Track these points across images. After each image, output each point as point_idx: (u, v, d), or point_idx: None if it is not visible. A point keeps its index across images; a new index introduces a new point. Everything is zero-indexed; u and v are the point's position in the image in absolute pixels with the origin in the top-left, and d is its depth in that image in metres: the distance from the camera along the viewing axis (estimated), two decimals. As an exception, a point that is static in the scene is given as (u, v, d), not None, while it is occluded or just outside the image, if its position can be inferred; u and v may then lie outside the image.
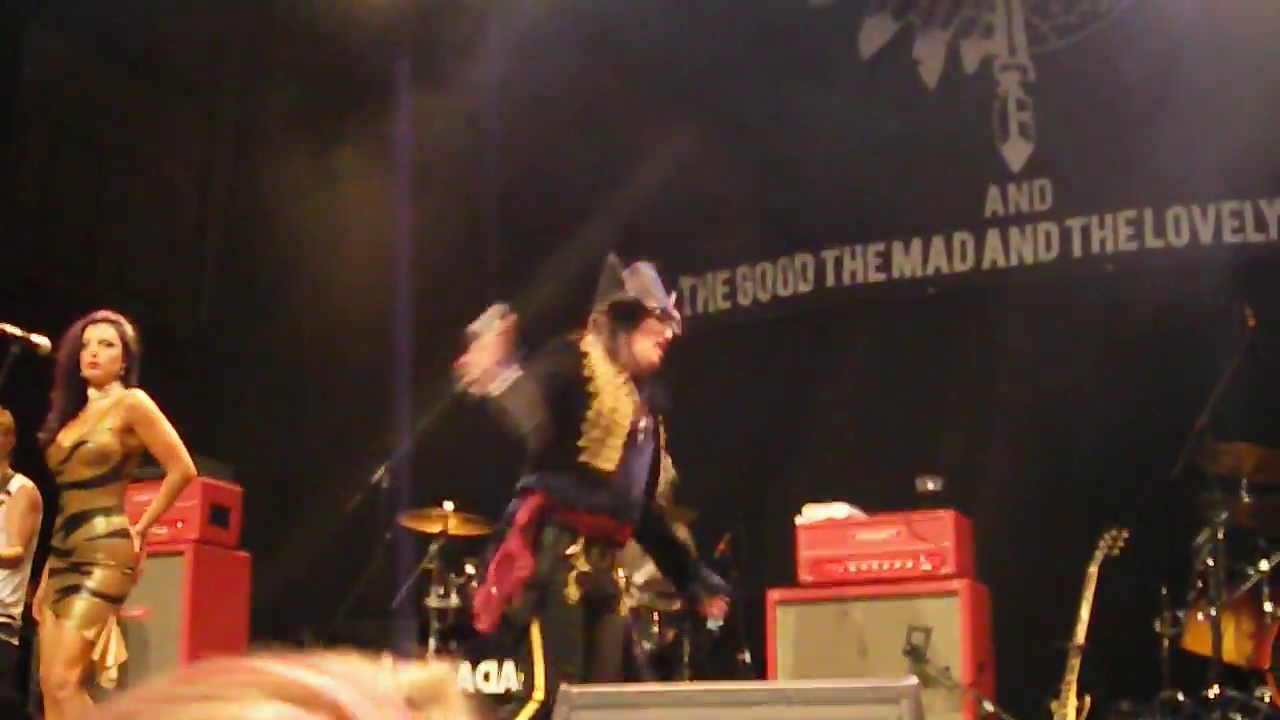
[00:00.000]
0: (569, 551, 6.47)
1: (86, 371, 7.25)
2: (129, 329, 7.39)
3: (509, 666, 8.81)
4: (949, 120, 11.02)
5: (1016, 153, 10.94)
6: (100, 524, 7.12)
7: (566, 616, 6.36)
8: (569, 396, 6.48)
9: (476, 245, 11.51)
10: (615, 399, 6.54)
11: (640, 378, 6.66)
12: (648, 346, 6.61)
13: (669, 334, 6.65)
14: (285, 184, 11.57)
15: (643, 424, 6.63)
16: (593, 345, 6.65)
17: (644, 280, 6.73)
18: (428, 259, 10.98)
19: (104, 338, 7.30)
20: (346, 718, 1.07)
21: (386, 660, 1.14)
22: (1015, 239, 10.82)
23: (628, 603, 6.91)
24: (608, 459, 6.51)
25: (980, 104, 11.10)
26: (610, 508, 6.58)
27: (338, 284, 10.90)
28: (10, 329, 7.32)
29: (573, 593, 6.40)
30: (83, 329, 7.32)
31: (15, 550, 8.67)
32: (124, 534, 7.14)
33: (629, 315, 6.63)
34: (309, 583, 10.87)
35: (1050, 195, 10.80)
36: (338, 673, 1.10)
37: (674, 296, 6.92)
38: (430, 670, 1.14)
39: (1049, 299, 10.52)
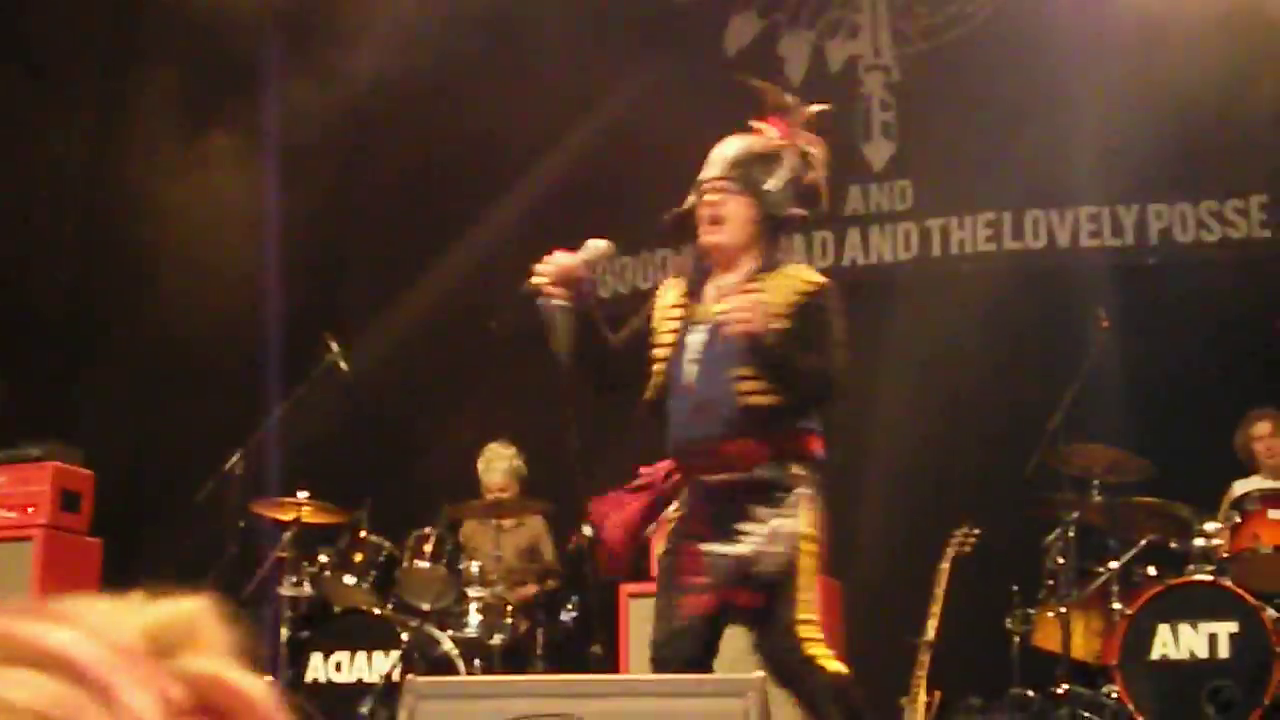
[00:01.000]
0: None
1: None
2: None
3: (361, 656, 8.79)
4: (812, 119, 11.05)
5: (878, 153, 11.02)
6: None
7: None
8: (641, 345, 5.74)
9: (345, 234, 11.45)
10: (660, 320, 5.71)
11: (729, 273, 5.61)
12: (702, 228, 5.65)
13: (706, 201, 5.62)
14: (151, 168, 11.43)
15: (701, 325, 5.57)
16: (667, 284, 5.97)
17: None
18: (295, 248, 10.89)
19: None
20: (82, 677, 0.98)
21: (134, 599, 1.05)
22: (875, 238, 10.89)
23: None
24: (651, 387, 5.63)
25: (844, 104, 11.14)
26: (671, 444, 5.63)
27: (199, 271, 10.78)
28: None
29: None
30: None
31: None
32: None
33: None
34: (162, 569, 10.75)
35: (911, 195, 10.88)
36: (75, 623, 1.02)
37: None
38: (178, 608, 1.05)
39: (907, 298, 10.59)
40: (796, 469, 5.45)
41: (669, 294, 5.78)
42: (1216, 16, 9.37)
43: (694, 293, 5.67)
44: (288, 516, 9.01)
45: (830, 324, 5.50)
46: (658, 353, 5.61)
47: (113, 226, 11.89)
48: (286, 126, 11.05)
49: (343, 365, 9.15)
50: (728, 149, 5.63)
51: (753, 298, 5.34)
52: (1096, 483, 8.54)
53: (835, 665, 5.40)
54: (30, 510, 8.99)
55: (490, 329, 11.39)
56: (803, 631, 5.29)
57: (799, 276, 5.61)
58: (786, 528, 5.37)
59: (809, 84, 11.20)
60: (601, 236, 5.58)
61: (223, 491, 9.07)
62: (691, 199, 5.67)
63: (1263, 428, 8.97)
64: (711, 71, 10.76)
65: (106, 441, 10.34)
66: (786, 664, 5.28)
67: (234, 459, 9.02)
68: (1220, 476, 9.00)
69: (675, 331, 5.60)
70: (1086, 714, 8.19)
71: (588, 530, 5.77)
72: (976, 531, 8.52)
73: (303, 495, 9.01)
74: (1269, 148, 9.48)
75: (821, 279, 5.67)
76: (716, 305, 5.46)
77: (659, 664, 5.32)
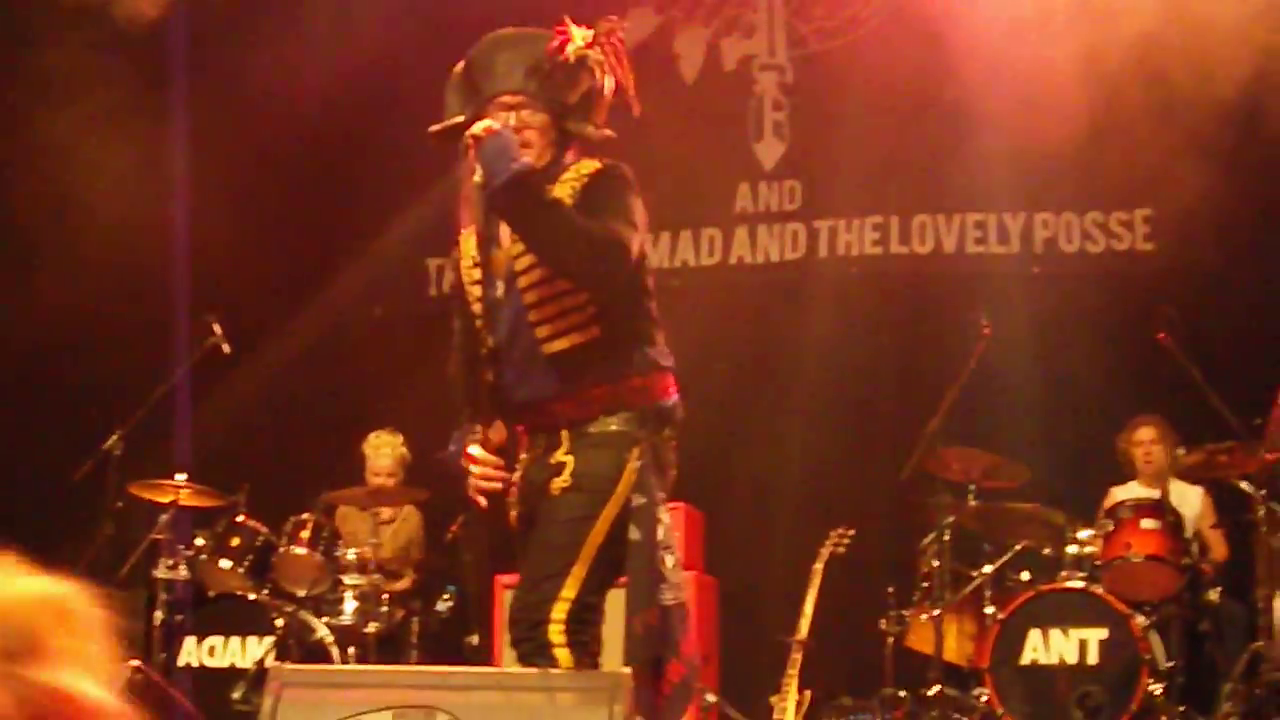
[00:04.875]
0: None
1: None
2: None
3: (235, 641, 8.75)
4: (705, 116, 11.09)
5: (769, 152, 11.05)
6: None
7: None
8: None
9: (234, 216, 11.35)
10: (466, 275, 5.18)
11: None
12: None
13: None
14: (23, 140, 11.30)
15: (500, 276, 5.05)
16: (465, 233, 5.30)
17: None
18: (181, 225, 10.79)
19: None
20: None
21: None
22: (763, 237, 10.92)
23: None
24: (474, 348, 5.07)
25: (736, 102, 11.18)
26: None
27: (85, 247, 10.66)
28: None
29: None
30: None
31: None
32: None
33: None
34: (36, 550, 10.65)
35: (800, 196, 10.92)
36: None
37: None
38: (27, 602, 1.02)
39: (794, 298, 10.63)
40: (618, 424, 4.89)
41: (467, 242, 5.16)
42: (1108, 29, 9.45)
43: (486, 238, 5.00)
44: (165, 499, 8.95)
45: (616, 193, 4.94)
46: (476, 309, 5.03)
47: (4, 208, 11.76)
48: (187, 98, 10.96)
49: (225, 348, 9.10)
50: (517, 52, 5.04)
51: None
52: (973, 487, 8.63)
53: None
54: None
55: (375, 315, 11.36)
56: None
57: (583, 166, 5.03)
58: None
59: (703, 81, 11.25)
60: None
61: (101, 471, 8.99)
62: (461, 111, 5.06)
63: (1145, 433, 9.05)
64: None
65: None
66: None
67: (113, 439, 8.95)
68: (1098, 484, 9.11)
69: (479, 285, 5.04)
70: (957, 716, 8.27)
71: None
72: (851, 532, 8.57)
73: (181, 478, 8.95)
74: (1154, 162, 9.57)
75: (611, 161, 5.04)
76: (514, 248, 4.96)
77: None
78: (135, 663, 8.02)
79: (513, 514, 5.08)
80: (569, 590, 4.76)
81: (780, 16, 11.25)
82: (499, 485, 4.97)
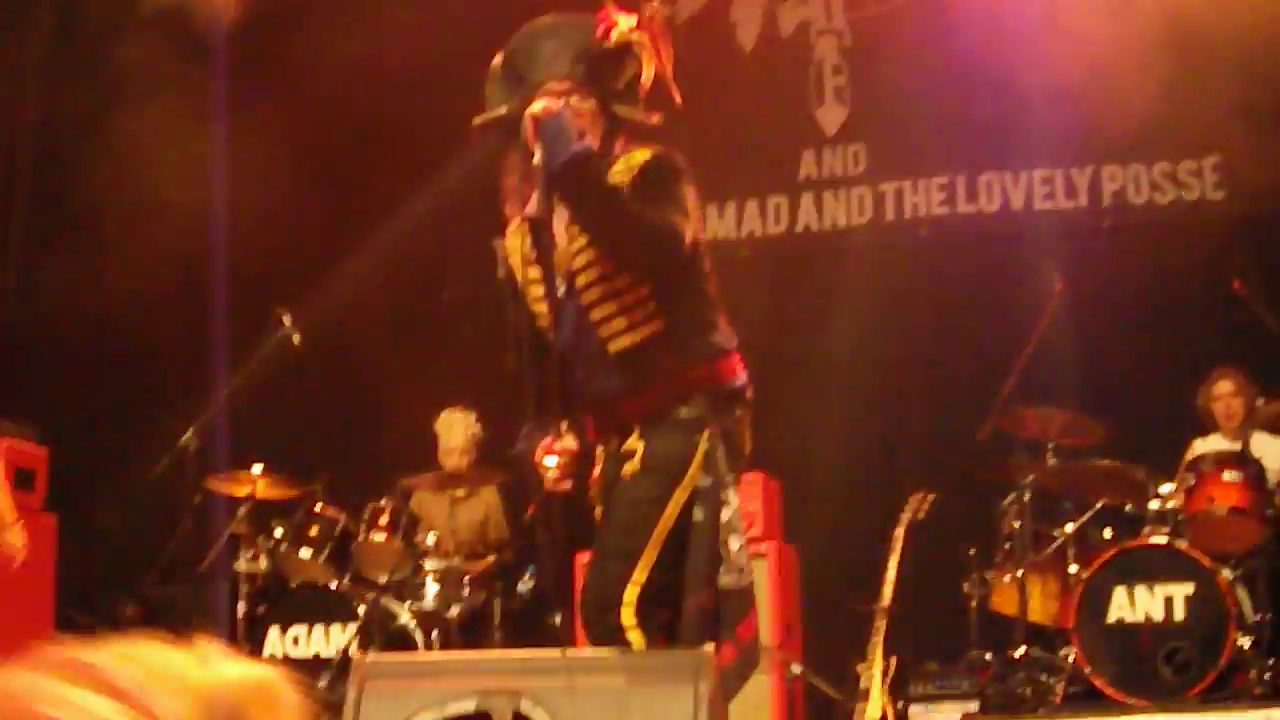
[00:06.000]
0: None
1: None
2: None
3: (318, 630, 8.77)
4: (764, 84, 11.04)
5: (831, 117, 10.99)
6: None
7: None
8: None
9: (297, 205, 11.36)
10: (523, 271, 5.18)
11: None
12: None
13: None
14: (97, 139, 11.35)
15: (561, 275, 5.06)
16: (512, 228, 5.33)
17: None
18: (247, 218, 10.82)
19: None
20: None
21: (205, 651, 1.06)
22: (829, 203, 10.87)
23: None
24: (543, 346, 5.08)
25: (796, 68, 11.12)
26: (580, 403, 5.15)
27: (151, 242, 10.69)
28: None
29: None
30: None
31: None
32: None
33: None
34: (118, 546, 10.72)
35: (864, 159, 10.86)
36: (144, 669, 1.04)
37: None
38: (237, 681, 1.06)
39: (862, 263, 10.57)
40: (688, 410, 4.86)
41: (516, 238, 5.17)
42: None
43: (539, 231, 5.02)
44: (242, 491, 9.00)
45: (668, 181, 4.91)
46: (537, 309, 5.06)
47: (61, 203, 11.81)
48: (237, 93, 10.98)
49: (295, 339, 9.12)
50: (561, 38, 5.01)
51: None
52: (1052, 446, 8.55)
53: None
54: (-18, 488, 8.93)
55: (444, 300, 11.35)
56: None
57: (636, 155, 4.97)
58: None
59: (760, 49, 11.20)
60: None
61: (177, 467, 9.04)
62: (505, 102, 5.01)
63: (1224, 386, 8.95)
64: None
65: (60, 418, 10.28)
66: None
67: (188, 434, 9.00)
68: (1178, 438, 9.00)
69: (538, 284, 5.05)
70: (1044, 676, 8.23)
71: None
72: (931, 497, 8.51)
73: (257, 470, 8.99)
74: (1222, 109, 9.47)
75: (662, 148, 4.99)
76: (570, 248, 4.94)
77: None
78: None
79: (597, 511, 5.10)
80: (640, 573, 4.76)
81: (836, -20, 11.18)
82: (569, 485, 4.98)
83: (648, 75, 4.99)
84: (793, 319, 10.35)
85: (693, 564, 4.78)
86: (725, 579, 4.80)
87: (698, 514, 4.79)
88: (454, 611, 8.75)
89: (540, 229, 4.97)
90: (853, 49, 11.04)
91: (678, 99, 5.05)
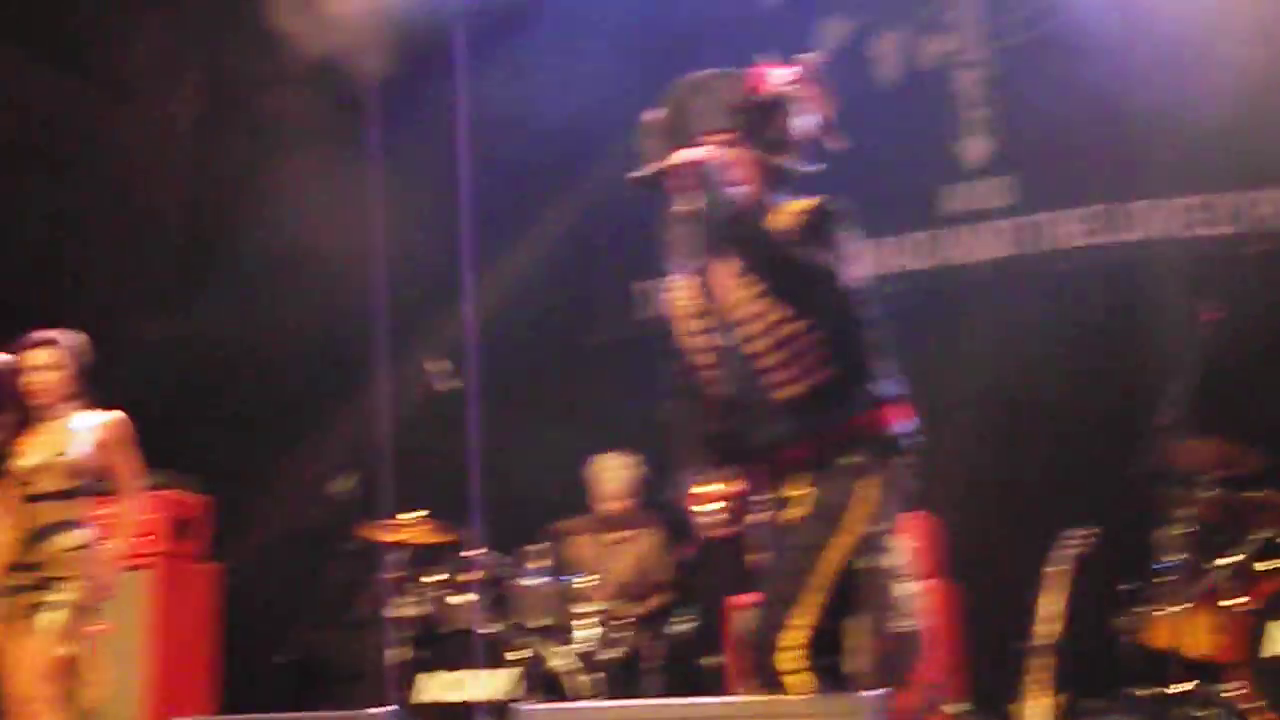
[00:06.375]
0: None
1: (31, 399, 7.28)
2: (67, 346, 7.41)
3: (472, 675, 8.81)
4: (904, 118, 11.00)
5: (972, 150, 10.94)
6: (74, 536, 7.14)
7: None
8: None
9: (451, 251, 11.44)
10: (684, 324, 5.22)
11: None
12: None
13: None
14: (251, 189, 11.51)
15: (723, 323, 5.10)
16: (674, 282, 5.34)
17: None
18: (403, 265, 10.92)
19: (39, 362, 7.34)
20: None
21: None
22: (972, 236, 10.81)
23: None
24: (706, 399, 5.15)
25: (936, 101, 11.08)
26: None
27: (306, 291, 10.82)
28: (-38, 350, 7.35)
29: None
30: (20, 354, 7.34)
31: None
32: (96, 546, 7.16)
33: None
34: (274, 593, 10.84)
35: (1007, 192, 10.79)
36: None
37: None
38: None
39: (1006, 296, 10.50)
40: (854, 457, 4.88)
41: (681, 289, 5.19)
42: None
43: (703, 285, 5.07)
44: (397, 538, 9.06)
45: (828, 229, 4.91)
46: (700, 359, 5.13)
47: (216, 253, 11.98)
48: (388, 141, 11.08)
49: (446, 386, 9.18)
50: (716, 92, 5.08)
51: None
52: (1208, 477, 8.44)
53: None
54: (148, 539, 9.07)
55: (590, 341, 11.40)
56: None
57: (797, 204, 4.99)
58: None
59: (901, 83, 11.17)
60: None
61: (333, 514, 9.13)
62: (661, 155, 5.00)
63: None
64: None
65: (220, 468, 10.41)
66: None
67: (344, 481, 9.09)
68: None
69: (702, 335, 5.11)
70: (1202, 713, 8.11)
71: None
72: (1096, 530, 8.42)
73: (412, 516, 9.05)
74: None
75: (823, 197, 4.98)
76: (733, 295, 4.98)
77: None
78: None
79: (755, 557, 5.08)
80: (800, 618, 4.76)
81: (976, 11, 11.12)
82: (727, 531, 5.01)
83: (801, 126, 5.03)
84: (936, 354, 10.29)
85: (863, 610, 4.79)
86: (896, 624, 4.81)
87: (865, 561, 4.81)
88: (608, 655, 8.75)
89: (702, 279, 5.00)
90: (994, 80, 10.98)
91: (838, 146, 5.09)
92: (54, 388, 7.33)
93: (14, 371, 7.34)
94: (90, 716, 7.22)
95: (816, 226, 4.92)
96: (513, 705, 5.33)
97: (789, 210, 4.99)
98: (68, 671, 7.03)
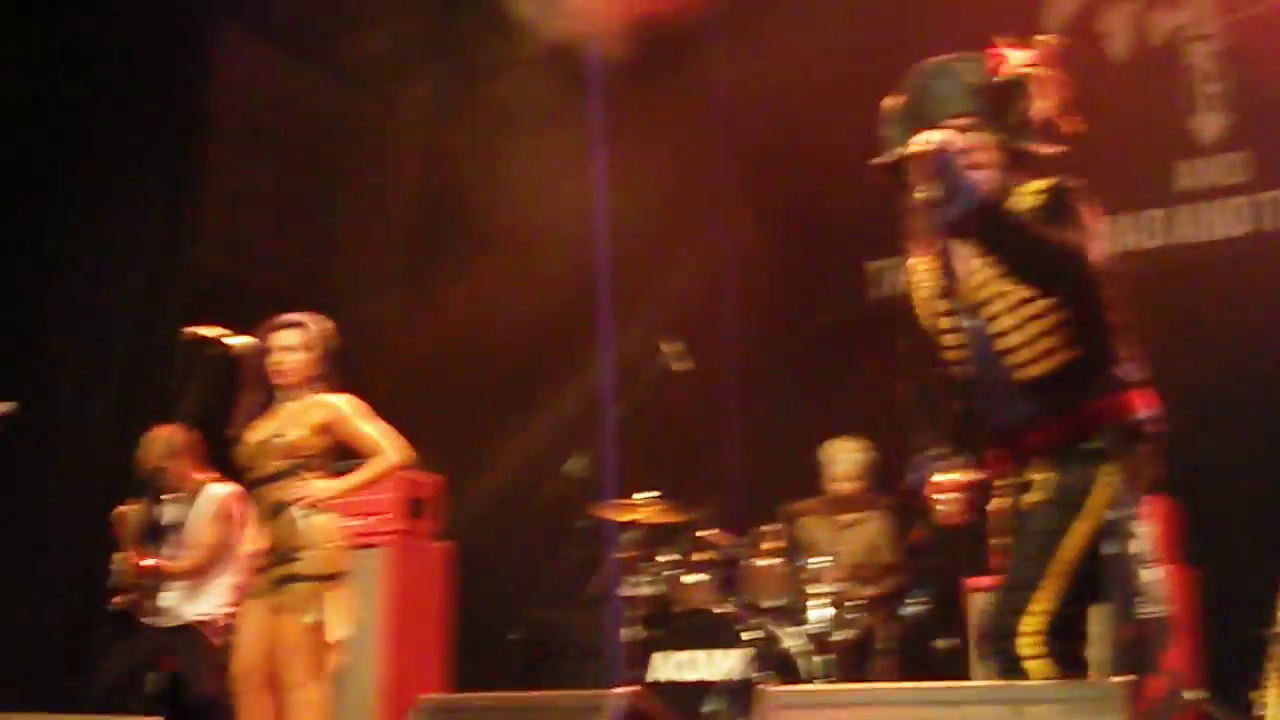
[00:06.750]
0: None
1: (274, 379, 7.42)
2: (315, 329, 7.54)
3: (704, 655, 8.84)
4: (1136, 94, 10.85)
5: (1207, 126, 10.76)
6: (294, 512, 7.26)
7: None
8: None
9: (677, 230, 11.46)
10: (926, 307, 5.27)
11: None
12: None
13: None
14: (477, 168, 11.63)
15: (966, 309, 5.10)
16: (914, 262, 5.40)
17: None
18: (630, 244, 10.97)
19: (285, 343, 7.47)
20: None
21: None
22: (1206, 214, 10.65)
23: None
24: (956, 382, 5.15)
25: (1169, 76, 10.92)
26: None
27: (533, 272, 10.92)
28: (206, 331, 7.49)
29: None
30: (267, 334, 7.48)
31: (187, 562, 8.86)
32: (319, 513, 7.28)
33: None
34: (506, 572, 10.96)
35: (1243, 168, 10.61)
36: None
37: None
38: None
39: (1242, 274, 10.33)
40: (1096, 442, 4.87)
41: (920, 270, 5.24)
42: None
43: (945, 267, 5.06)
44: (630, 518, 9.11)
45: (1070, 207, 4.90)
46: (942, 340, 5.13)
47: (449, 234, 12.11)
48: (617, 121, 11.15)
49: (681, 365, 9.22)
50: (956, 76, 5.09)
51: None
52: None
53: None
54: (380, 518, 9.21)
55: (820, 321, 11.39)
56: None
57: (1035, 184, 5.02)
58: None
59: (1131, 58, 11.02)
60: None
61: (565, 493, 9.20)
62: (903, 143, 4.97)
63: None
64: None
65: (452, 447, 10.54)
66: None
67: (576, 461, 9.14)
68: None
69: (948, 316, 5.10)
70: None
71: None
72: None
73: (643, 496, 9.10)
74: None
75: (1060, 177, 5.00)
76: (977, 276, 4.99)
77: None
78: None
79: (993, 541, 5.09)
80: (1040, 603, 4.76)
81: (1209, -17, 10.96)
82: (964, 519, 4.99)
83: (1041, 108, 5.00)
84: (1171, 334, 10.14)
85: (1109, 597, 4.76)
86: (1143, 610, 4.77)
87: (1109, 547, 4.78)
88: (840, 636, 8.74)
89: (944, 261, 4.98)
90: (1228, 54, 10.80)
91: (1073, 129, 5.06)
92: (298, 369, 7.46)
93: (259, 353, 7.48)
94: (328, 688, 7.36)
95: (1058, 205, 4.92)
96: (759, 686, 5.33)
97: (1028, 191, 5.01)
98: (307, 646, 7.16)
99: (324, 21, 12.01)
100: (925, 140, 4.83)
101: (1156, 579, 4.82)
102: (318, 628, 7.17)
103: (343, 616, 7.21)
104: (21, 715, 7.03)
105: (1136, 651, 4.75)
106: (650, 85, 10.94)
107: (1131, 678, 4.61)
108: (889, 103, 5.20)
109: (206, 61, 11.76)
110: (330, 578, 7.24)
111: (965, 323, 5.01)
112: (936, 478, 5.07)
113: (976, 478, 5.05)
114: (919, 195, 4.81)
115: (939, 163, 4.77)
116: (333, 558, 7.26)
